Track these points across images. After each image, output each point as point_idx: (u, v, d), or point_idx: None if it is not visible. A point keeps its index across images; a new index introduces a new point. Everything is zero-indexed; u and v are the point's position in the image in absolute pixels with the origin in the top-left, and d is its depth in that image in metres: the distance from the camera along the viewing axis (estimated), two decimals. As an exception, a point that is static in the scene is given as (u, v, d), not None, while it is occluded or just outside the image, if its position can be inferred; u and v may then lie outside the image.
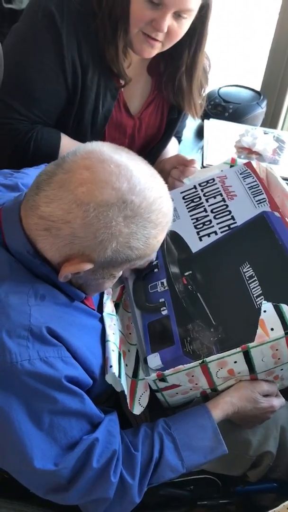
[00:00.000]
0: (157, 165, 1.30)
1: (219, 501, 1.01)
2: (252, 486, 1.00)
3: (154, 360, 0.83)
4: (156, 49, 1.08)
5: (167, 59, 1.17)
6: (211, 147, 1.42)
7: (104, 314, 0.88)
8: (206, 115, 1.58)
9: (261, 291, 0.84)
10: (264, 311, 0.79)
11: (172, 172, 1.20)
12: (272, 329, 0.78)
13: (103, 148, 0.71)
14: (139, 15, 1.00)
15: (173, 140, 1.39)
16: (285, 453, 0.98)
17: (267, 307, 0.80)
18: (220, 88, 1.67)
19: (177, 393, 0.85)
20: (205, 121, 1.52)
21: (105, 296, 0.92)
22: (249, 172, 1.07)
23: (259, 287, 0.85)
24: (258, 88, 1.74)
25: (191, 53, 1.13)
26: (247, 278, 0.87)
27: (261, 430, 0.94)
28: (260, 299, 0.83)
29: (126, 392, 0.81)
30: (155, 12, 0.99)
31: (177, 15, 1.00)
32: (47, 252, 0.72)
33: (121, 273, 0.80)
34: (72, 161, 0.70)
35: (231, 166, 1.15)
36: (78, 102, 1.12)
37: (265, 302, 0.80)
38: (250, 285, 0.86)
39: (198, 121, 1.64)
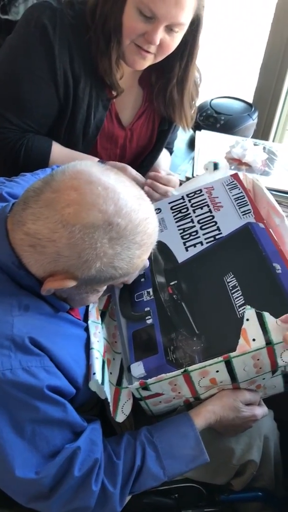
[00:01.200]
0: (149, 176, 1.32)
1: (204, 510, 1.02)
2: (236, 494, 1.01)
3: (138, 368, 0.84)
4: (148, 61, 1.10)
5: (158, 71, 1.19)
6: (202, 158, 1.43)
7: (89, 322, 0.89)
8: (197, 126, 1.60)
9: (243, 301, 0.85)
10: (247, 320, 0.80)
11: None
12: (253, 340, 0.79)
13: (92, 169, 0.72)
14: (131, 27, 1.02)
15: (165, 152, 1.41)
16: (268, 462, 0.99)
17: (250, 315, 0.81)
18: (212, 99, 1.69)
19: (160, 402, 0.86)
20: (197, 132, 1.54)
21: (91, 305, 0.94)
22: (235, 184, 1.09)
23: (242, 297, 0.86)
24: (250, 100, 1.76)
25: (182, 66, 1.16)
26: (231, 288, 0.89)
27: (245, 439, 0.95)
28: (243, 309, 0.84)
29: (109, 400, 0.82)
30: (148, 25, 1.01)
31: (169, 29, 1.03)
32: (31, 267, 0.73)
33: (105, 287, 0.81)
34: (60, 181, 0.71)
35: (215, 165, 1.19)
36: (70, 112, 1.14)
37: (249, 308, 0.81)
38: (233, 295, 0.87)
39: (190, 132, 1.66)
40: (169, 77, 1.17)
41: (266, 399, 0.93)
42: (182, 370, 0.80)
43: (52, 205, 0.69)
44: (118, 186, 0.72)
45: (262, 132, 1.80)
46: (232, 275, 0.90)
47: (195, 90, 1.25)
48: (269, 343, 0.78)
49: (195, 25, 1.09)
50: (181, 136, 1.49)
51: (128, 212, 0.71)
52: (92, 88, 1.13)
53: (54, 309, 0.79)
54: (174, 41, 1.06)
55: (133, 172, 1.17)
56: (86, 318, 0.91)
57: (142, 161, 1.31)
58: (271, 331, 0.78)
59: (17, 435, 0.69)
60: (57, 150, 1.16)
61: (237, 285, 0.88)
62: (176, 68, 1.16)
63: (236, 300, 0.86)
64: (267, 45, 1.73)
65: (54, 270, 0.72)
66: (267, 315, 0.80)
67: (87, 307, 0.93)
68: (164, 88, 1.19)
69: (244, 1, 2.42)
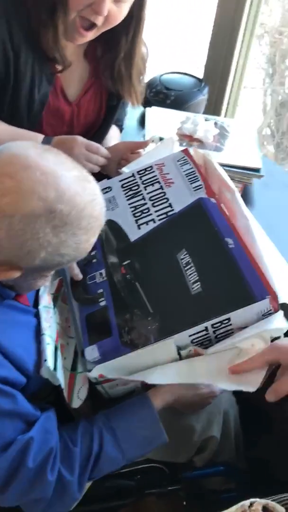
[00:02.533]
0: None
1: (168, 488, 1.01)
2: (199, 471, 1.01)
3: (92, 352, 0.82)
4: (90, 37, 1.06)
5: (104, 45, 1.15)
6: (153, 135, 1.40)
7: (40, 307, 0.86)
8: (147, 103, 1.56)
9: (197, 277, 0.84)
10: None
11: (122, 162, 1.18)
12: None
13: (29, 152, 0.67)
14: None
15: (115, 129, 1.37)
16: (229, 437, 1.00)
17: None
18: (161, 75, 1.65)
19: (117, 385, 0.84)
20: (147, 108, 1.50)
21: (41, 289, 0.90)
22: (186, 159, 1.06)
23: (195, 273, 0.85)
24: (200, 76, 1.73)
25: (129, 39, 1.11)
26: (184, 265, 0.87)
27: (204, 415, 0.95)
28: (197, 285, 0.83)
29: (63, 386, 0.79)
30: None
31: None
32: None
33: (53, 272, 0.78)
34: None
35: (160, 139, 1.17)
36: (12, 88, 1.08)
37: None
38: (187, 272, 0.86)
39: (140, 109, 1.62)
40: (116, 51, 1.13)
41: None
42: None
43: None
44: (58, 169, 0.67)
45: (213, 108, 1.78)
46: (185, 252, 0.89)
47: (143, 65, 1.21)
48: None
49: None
50: (132, 113, 1.45)
51: (72, 197, 0.67)
52: (35, 62, 1.07)
53: None
54: (121, 12, 1.03)
55: (84, 141, 1.11)
56: (36, 303, 0.88)
57: (91, 138, 1.26)
58: None
59: None
60: (1, 128, 1.10)
61: (190, 261, 0.87)
62: (122, 41, 1.12)
63: (189, 276, 0.85)
64: (215, 20, 1.71)
65: None
66: None
67: (37, 291, 0.89)
68: (111, 62, 1.15)
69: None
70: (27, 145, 0.69)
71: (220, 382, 0.77)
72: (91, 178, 0.73)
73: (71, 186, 0.67)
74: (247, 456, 1.09)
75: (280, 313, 0.80)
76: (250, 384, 0.75)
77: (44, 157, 0.67)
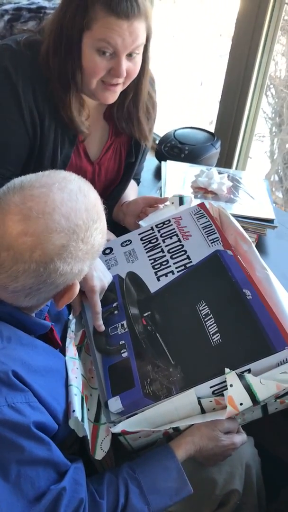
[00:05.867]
0: (119, 208, 1.33)
1: None
2: (221, 526, 0.99)
3: (115, 403, 0.83)
4: (119, 91, 1.12)
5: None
6: (169, 187, 1.46)
7: (66, 358, 0.88)
8: (163, 157, 1.64)
9: (217, 328, 0.86)
10: (231, 385, 0.79)
11: (141, 215, 1.24)
12: (241, 404, 0.79)
13: (14, 199, 0.72)
14: (96, 68, 1.04)
15: (132, 183, 1.43)
16: (251, 490, 0.99)
17: (232, 379, 0.79)
18: (175, 130, 1.74)
19: (139, 437, 0.85)
20: (162, 162, 1.57)
21: (68, 340, 0.93)
22: (202, 213, 1.11)
23: (215, 324, 0.87)
24: (212, 130, 1.82)
25: (136, 79, 1.15)
26: (203, 316, 0.90)
27: (227, 468, 0.94)
28: (216, 337, 0.85)
29: (88, 437, 0.81)
30: (111, 61, 1.03)
31: (129, 55, 1.05)
32: (24, 305, 0.75)
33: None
34: (5, 232, 0.70)
35: (180, 198, 1.22)
36: (38, 150, 1.15)
37: (228, 370, 0.80)
38: (207, 323, 0.88)
39: (155, 162, 1.70)
40: (125, 93, 1.17)
41: (245, 426, 0.93)
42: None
43: (19, 259, 0.69)
44: (48, 200, 0.71)
45: (225, 161, 1.85)
46: (204, 303, 0.91)
47: (150, 102, 1.25)
48: (256, 402, 0.80)
49: (148, 39, 1.09)
50: (147, 166, 1.52)
51: (74, 208, 0.73)
52: (57, 126, 1.14)
53: (32, 334, 0.80)
54: (137, 65, 1.09)
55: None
56: (62, 353, 0.91)
57: (110, 193, 1.32)
58: (257, 393, 0.79)
59: (1, 478, 0.67)
60: None
61: (209, 312, 0.89)
62: (130, 84, 1.15)
63: (209, 328, 0.87)
64: (225, 77, 1.80)
65: (56, 293, 0.76)
66: (249, 377, 0.79)
67: (64, 340, 0.92)
68: (122, 104, 1.20)
69: (204, 37, 2.52)
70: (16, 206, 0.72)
71: None
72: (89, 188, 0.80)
73: (68, 203, 0.73)
74: (269, 509, 1.07)
75: None
76: None
77: (27, 200, 0.71)
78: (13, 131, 1.10)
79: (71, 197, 0.73)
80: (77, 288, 0.78)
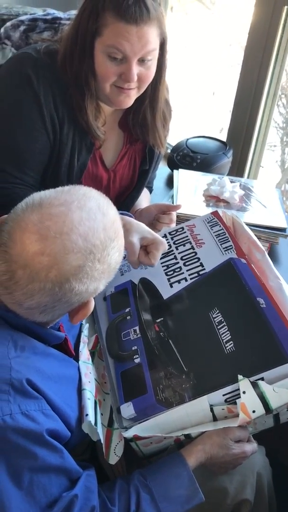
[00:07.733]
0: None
1: None
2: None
3: (127, 409, 0.84)
4: (133, 96, 1.12)
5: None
6: (181, 195, 1.47)
7: (80, 362, 0.89)
8: (175, 165, 1.65)
9: (230, 336, 0.86)
10: (244, 392, 0.79)
11: (157, 224, 1.23)
12: (254, 411, 0.79)
13: (32, 220, 0.70)
14: (107, 73, 1.06)
15: (145, 190, 1.44)
16: (263, 500, 0.98)
17: (245, 386, 0.79)
18: (187, 139, 1.75)
19: (151, 443, 0.85)
20: (175, 171, 1.58)
21: (81, 345, 0.93)
22: (216, 221, 1.12)
23: (228, 332, 0.87)
24: (224, 139, 1.82)
25: (153, 85, 1.16)
26: (217, 324, 0.90)
27: (238, 478, 0.93)
28: (230, 344, 0.85)
29: (102, 441, 0.81)
30: (121, 66, 1.04)
31: (141, 61, 1.05)
32: (39, 320, 0.76)
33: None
34: (22, 251, 0.69)
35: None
36: (56, 156, 1.16)
37: (241, 377, 0.80)
38: (220, 331, 0.88)
39: (168, 171, 1.71)
40: (142, 99, 1.18)
41: (257, 435, 0.93)
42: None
43: (35, 278, 0.69)
44: (67, 219, 0.70)
45: (237, 169, 1.86)
46: (217, 311, 0.92)
47: (167, 109, 1.26)
48: (268, 410, 0.79)
49: (163, 45, 1.10)
50: (159, 175, 1.53)
51: (92, 227, 0.72)
52: (75, 134, 1.15)
53: (46, 343, 0.80)
54: (150, 70, 1.09)
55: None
56: (76, 358, 0.91)
57: (124, 200, 1.33)
58: (270, 401, 0.79)
59: (14, 486, 0.67)
60: None
61: (222, 320, 0.90)
62: (147, 89, 1.16)
63: (222, 335, 0.87)
64: (238, 86, 1.82)
65: (71, 310, 0.77)
66: (263, 384, 0.79)
67: (78, 345, 0.93)
68: (137, 110, 1.20)
69: (214, 46, 2.55)
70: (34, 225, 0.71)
71: None
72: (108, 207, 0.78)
73: (82, 223, 0.71)
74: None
75: None
76: None
77: (47, 221, 0.70)
78: (36, 138, 1.11)
79: (90, 216, 0.72)
80: (92, 304, 0.78)
